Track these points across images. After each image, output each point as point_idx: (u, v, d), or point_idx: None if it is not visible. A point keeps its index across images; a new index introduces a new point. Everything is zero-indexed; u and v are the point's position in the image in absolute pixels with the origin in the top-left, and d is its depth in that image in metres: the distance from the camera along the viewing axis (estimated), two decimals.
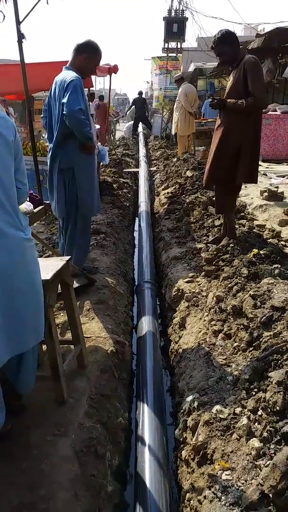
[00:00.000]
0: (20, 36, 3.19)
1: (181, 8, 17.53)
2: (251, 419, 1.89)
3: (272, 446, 1.68)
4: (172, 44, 16.99)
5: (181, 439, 2.23)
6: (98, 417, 2.18)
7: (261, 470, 1.64)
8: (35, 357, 1.98)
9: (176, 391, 2.68)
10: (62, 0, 3.54)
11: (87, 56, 3.16)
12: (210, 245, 4.10)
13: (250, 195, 5.70)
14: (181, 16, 16.74)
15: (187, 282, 3.63)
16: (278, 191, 5.38)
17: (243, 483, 1.65)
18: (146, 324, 3.28)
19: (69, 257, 2.38)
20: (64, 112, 2.92)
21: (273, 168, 7.68)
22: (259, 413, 1.86)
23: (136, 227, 6.42)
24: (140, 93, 17.04)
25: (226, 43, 3.49)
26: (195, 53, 18.90)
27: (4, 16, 2.83)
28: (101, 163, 7.05)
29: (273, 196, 5.31)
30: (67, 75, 3.06)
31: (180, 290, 3.56)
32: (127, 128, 17.67)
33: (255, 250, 3.28)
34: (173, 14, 17.08)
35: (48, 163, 3.27)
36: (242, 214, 4.84)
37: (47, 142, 3.91)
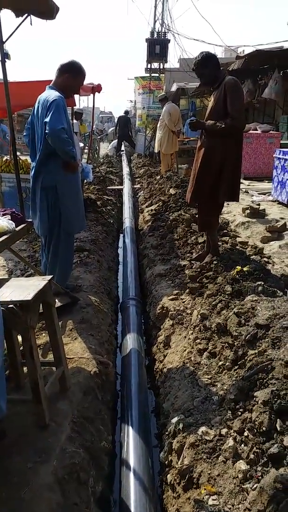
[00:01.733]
0: (4, 56, 3.20)
1: (163, 30, 17.98)
2: (237, 440, 1.86)
3: (259, 469, 1.65)
4: (155, 65, 17.31)
5: (166, 462, 2.18)
6: (81, 441, 2.11)
7: (248, 494, 1.60)
8: (2, 379, 1.90)
9: (161, 411, 2.63)
10: (46, 21, 3.55)
11: (70, 76, 3.18)
12: (194, 262, 4.11)
13: (232, 212, 5.76)
14: (163, 38, 17.14)
15: (172, 299, 3.61)
16: (260, 209, 5.46)
17: (230, 508, 1.61)
18: (130, 343, 3.24)
19: (51, 276, 2.34)
20: (46, 131, 2.92)
21: (254, 186, 7.82)
22: (245, 434, 1.84)
23: (121, 244, 6.41)
24: (126, 112, 17.25)
25: (207, 65, 3.56)
26: (178, 74, 19.35)
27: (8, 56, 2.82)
28: (85, 181, 7.07)
29: (255, 213, 5.38)
30: (50, 94, 3.07)
31: (165, 308, 3.54)
32: (111, 146, 17.84)
33: (238, 267, 3.30)
34: (155, 35, 17.47)
35: (31, 181, 3.25)
36: (225, 231, 4.88)
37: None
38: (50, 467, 1.85)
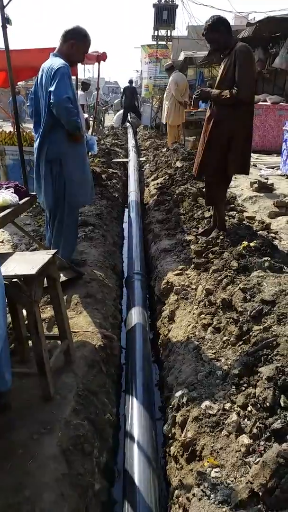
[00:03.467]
0: (5, 21, 3.07)
1: None
2: (240, 415, 1.86)
3: (262, 443, 1.66)
4: (162, 32, 16.71)
5: (169, 435, 2.21)
6: (85, 414, 2.14)
7: (250, 468, 1.61)
8: (6, 352, 1.91)
9: (165, 385, 2.65)
10: None
11: (75, 43, 3.05)
12: (200, 237, 4.06)
13: (240, 186, 5.66)
14: (171, 3, 16.46)
15: (177, 274, 3.59)
16: (268, 183, 5.36)
17: (232, 481, 1.63)
18: (135, 317, 3.24)
19: (55, 250, 2.31)
20: (51, 101, 2.82)
21: (263, 159, 7.65)
22: (249, 409, 1.84)
23: (126, 218, 6.35)
24: (131, 81, 16.68)
25: (217, 29, 3.40)
26: (185, 42, 18.72)
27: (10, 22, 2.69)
28: (90, 153, 6.95)
29: (263, 187, 5.29)
30: (55, 62, 2.95)
31: (170, 283, 3.53)
32: (117, 118, 17.45)
33: (245, 243, 3.25)
34: (163, 1, 16.80)
35: (35, 154, 3.18)
36: (232, 205, 4.81)
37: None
38: (55, 438, 1.88)
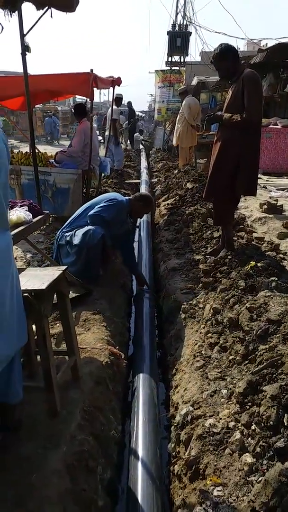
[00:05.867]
0: (24, 49, 3.24)
1: (184, 23, 17.82)
2: (244, 433, 1.87)
3: (264, 462, 1.66)
4: (176, 58, 17.20)
5: (174, 453, 2.21)
6: (90, 430, 2.16)
7: (253, 486, 1.61)
8: (19, 363, 1.97)
9: (171, 403, 2.65)
10: (66, 14, 3.57)
11: (143, 205, 4.03)
12: (208, 256, 4.10)
13: (249, 207, 5.71)
14: (185, 31, 17.00)
15: (185, 293, 3.62)
16: (278, 204, 5.40)
17: (234, 500, 1.62)
18: (143, 335, 3.27)
19: (65, 267, 2.37)
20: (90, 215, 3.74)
21: (273, 181, 7.71)
22: (253, 427, 1.84)
23: (136, 238, 6.43)
24: (129, 103, 16.28)
25: (225, 58, 3.52)
26: (198, 67, 19.17)
27: (2, 28, 2.87)
28: (103, 174, 7.10)
29: (273, 209, 5.32)
30: (119, 198, 3.90)
31: (177, 302, 3.55)
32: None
33: (253, 263, 3.28)
34: (177, 28, 17.34)
35: None
36: (241, 226, 4.85)
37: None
38: (60, 453, 1.89)
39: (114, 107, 9.19)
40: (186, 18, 18.29)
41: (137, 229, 6.57)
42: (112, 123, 9.24)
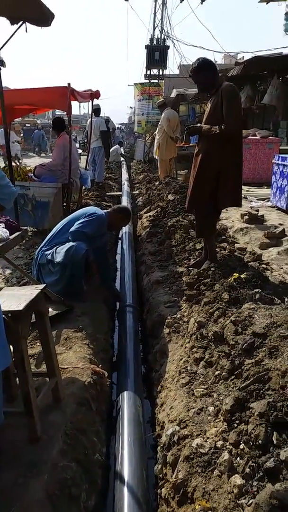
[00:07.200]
0: None
1: (162, 37, 18.09)
2: (233, 453, 1.80)
3: (254, 483, 1.60)
4: (154, 71, 17.41)
5: (161, 475, 2.13)
6: (73, 455, 2.06)
7: (243, 510, 1.55)
8: (0, 386, 1.89)
9: (157, 422, 2.58)
10: (41, 28, 3.55)
11: (122, 218, 4.06)
12: (192, 269, 4.07)
13: (231, 218, 5.74)
14: (163, 45, 17.24)
15: (168, 307, 3.57)
16: (259, 214, 5.43)
17: None
18: (127, 351, 3.20)
19: (44, 285, 2.30)
20: (71, 231, 3.65)
21: (253, 191, 7.80)
22: (241, 447, 1.78)
23: (119, 250, 6.38)
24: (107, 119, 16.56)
25: (202, 71, 3.54)
26: (177, 80, 19.44)
27: None
28: (84, 187, 7.05)
29: (254, 219, 5.35)
30: (99, 212, 3.86)
31: (161, 315, 3.50)
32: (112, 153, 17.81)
33: (236, 274, 3.26)
34: (155, 42, 17.58)
35: None
36: (223, 237, 4.85)
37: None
38: (41, 482, 1.80)
39: (98, 118, 9.23)
40: (164, 32, 18.59)
41: (119, 242, 6.53)
42: (102, 135, 9.26)
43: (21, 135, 22.10)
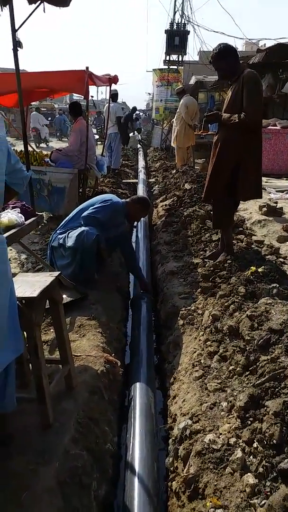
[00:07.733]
0: (16, 44, 3.13)
1: (183, 22, 17.68)
2: (246, 451, 1.78)
3: (268, 484, 1.57)
4: (174, 57, 17.06)
5: (171, 468, 2.12)
6: (85, 443, 2.06)
7: (256, 510, 1.52)
8: (14, 372, 1.89)
9: (169, 414, 2.57)
10: (60, 8, 3.45)
11: (141, 208, 3.96)
12: (207, 260, 4.01)
13: (248, 210, 5.63)
14: (183, 30, 16.85)
15: (183, 298, 3.53)
16: (277, 207, 5.31)
17: None
18: (140, 341, 3.18)
19: (59, 272, 2.27)
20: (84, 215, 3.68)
21: (272, 183, 7.63)
22: (255, 445, 1.76)
23: (133, 239, 6.33)
24: (134, 108, 16.78)
25: (224, 57, 3.42)
26: (196, 66, 19.08)
27: None
28: (100, 174, 7.00)
29: (272, 211, 5.24)
30: (118, 201, 3.85)
31: (175, 307, 3.46)
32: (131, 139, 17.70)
33: (253, 268, 3.19)
34: (175, 27, 17.19)
35: None
36: (241, 229, 4.76)
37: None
38: (52, 470, 1.80)
39: (115, 103, 9.12)
40: (184, 17, 18.15)
41: (134, 230, 6.48)
42: (118, 121, 9.15)
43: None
